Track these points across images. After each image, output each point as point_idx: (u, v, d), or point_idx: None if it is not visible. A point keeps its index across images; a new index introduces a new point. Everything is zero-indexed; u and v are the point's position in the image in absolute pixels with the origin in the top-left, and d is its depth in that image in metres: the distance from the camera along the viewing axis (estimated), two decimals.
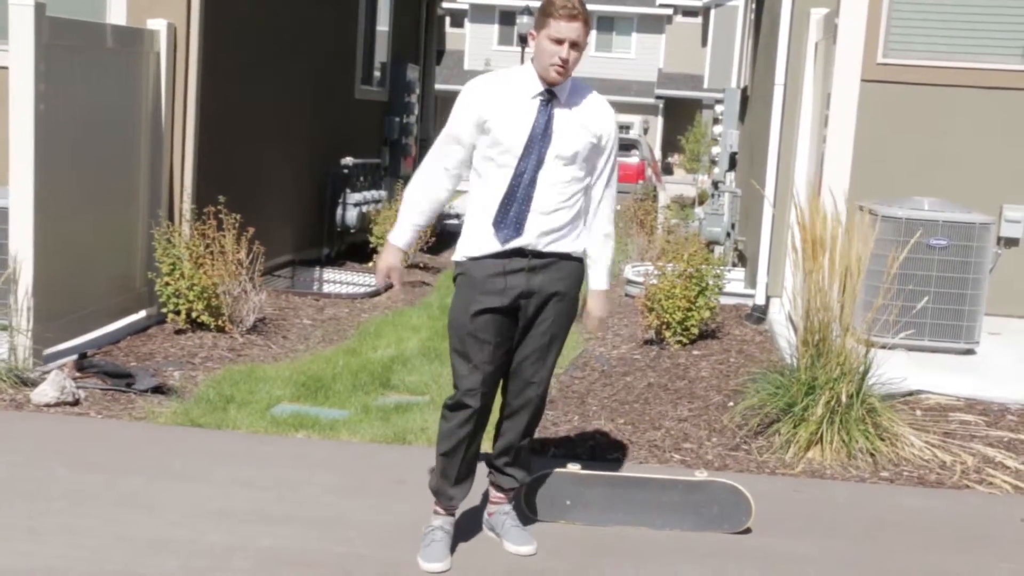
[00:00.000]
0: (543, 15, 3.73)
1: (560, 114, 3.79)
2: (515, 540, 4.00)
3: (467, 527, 4.14)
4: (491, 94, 3.80)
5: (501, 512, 4.09)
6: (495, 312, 3.78)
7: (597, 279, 4.05)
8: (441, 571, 3.82)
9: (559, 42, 3.69)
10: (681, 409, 5.76)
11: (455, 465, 3.89)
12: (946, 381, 6.04)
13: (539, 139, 3.74)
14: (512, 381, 3.94)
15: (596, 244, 3.99)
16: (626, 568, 3.89)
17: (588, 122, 3.82)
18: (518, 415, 3.96)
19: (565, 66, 3.70)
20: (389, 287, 3.76)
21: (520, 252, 3.78)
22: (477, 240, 3.82)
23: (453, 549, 3.93)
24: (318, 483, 4.57)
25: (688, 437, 5.35)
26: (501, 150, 3.75)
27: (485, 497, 4.20)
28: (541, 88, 3.77)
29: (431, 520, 3.98)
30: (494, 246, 3.77)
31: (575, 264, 3.89)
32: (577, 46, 3.72)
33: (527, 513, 4.22)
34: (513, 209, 3.75)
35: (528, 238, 3.77)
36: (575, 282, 3.89)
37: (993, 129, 7.71)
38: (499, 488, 4.10)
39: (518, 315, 3.84)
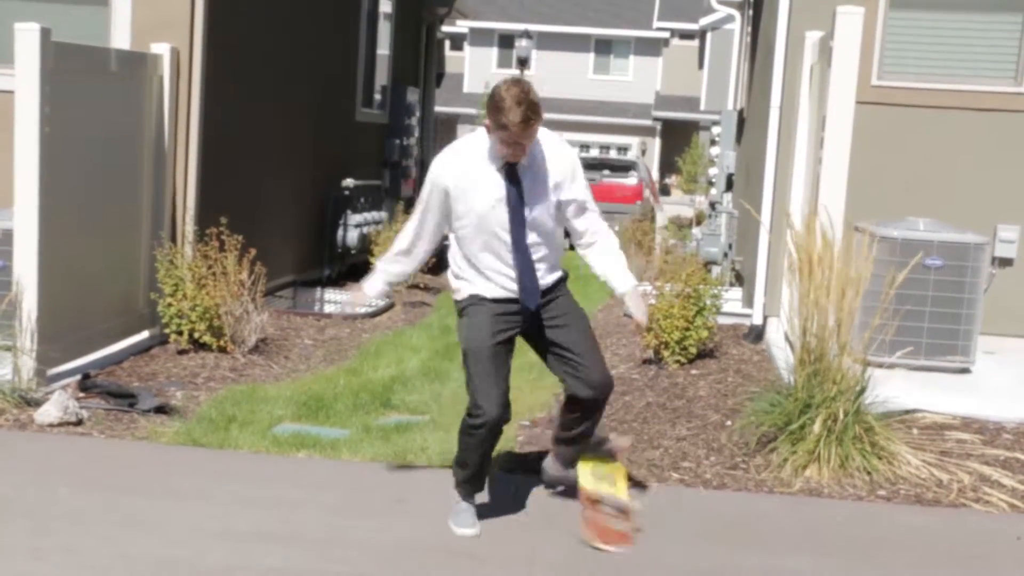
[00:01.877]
0: (497, 122, 3.90)
1: (526, 178, 4.07)
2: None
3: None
4: (459, 173, 4.08)
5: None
6: (506, 337, 4.18)
7: (623, 282, 4.29)
8: (474, 535, 4.23)
9: (517, 143, 3.94)
10: (679, 428, 5.78)
11: (479, 472, 4.33)
12: (942, 400, 6.05)
13: (517, 208, 4.05)
14: (575, 379, 4.20)
15: (609, 257, 4.31)
16: None
17: (550, 174, 4.10)
18: (590, 410, 4.29)
19: (524, 152, 3.99)
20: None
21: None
22: (475, 287, 4.20)
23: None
24: (319, 502, 4.58)
25: (687, 456, 5.37)
26: (472, 220, 4.09)
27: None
28: (502, 162, 4.05)
29: (459, 500, 4.38)
30: (494, 292, 4.17)
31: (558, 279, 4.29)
32: (533, 137, 3.98)
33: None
34: (527, 279, 4.12)
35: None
36: (563, 290, 4.31)
37: (987, 150, 7.76)
38: (567, 464, 4.51)
39: (529, 332, 4.25)
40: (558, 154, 4.15)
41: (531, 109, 3.86)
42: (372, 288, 4.51)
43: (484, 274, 4.17)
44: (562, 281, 4.29)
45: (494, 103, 3.88)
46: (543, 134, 4.10)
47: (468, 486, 4.36)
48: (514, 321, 4.18)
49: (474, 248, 4.15)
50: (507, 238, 4.09)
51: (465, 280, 4.23)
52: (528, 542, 4.24)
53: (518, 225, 4.06)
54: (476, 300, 4.20)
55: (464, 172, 4.08)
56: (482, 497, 4.50)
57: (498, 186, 4.05)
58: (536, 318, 4.19)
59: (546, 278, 4.20)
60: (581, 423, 4.34)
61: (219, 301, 6.92)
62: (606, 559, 4.11)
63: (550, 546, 4.22)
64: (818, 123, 6.83)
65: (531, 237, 4.11)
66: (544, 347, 4.26)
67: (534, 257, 4.13)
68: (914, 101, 7.73)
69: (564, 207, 4.18)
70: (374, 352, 7.68)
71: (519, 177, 4.06)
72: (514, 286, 4.14)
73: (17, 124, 5.85)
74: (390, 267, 4.50)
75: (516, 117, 3.85)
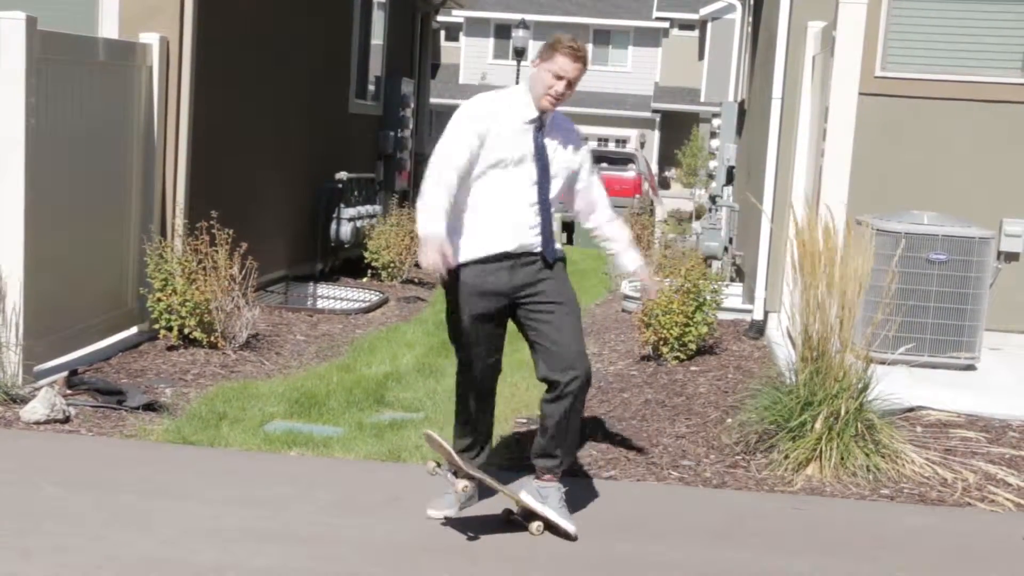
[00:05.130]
0: (550, 58, 4.13)
1: (552, 137, 4.27)
2: (564, 516, 4.21)
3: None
4: (492, 120, 4.18)
5: (553, 488, 4.26)
6: (492, 310, 4.25)
7: (635, 259, 4.53)
8: (450, 517, 4.15)
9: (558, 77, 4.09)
10: (679, 426, 5.71)
11: (472, 428, 4.35)
12: (946, 397, 5.99)
13: (544, 163, 4.22)
14: (551, 361, 4.17)
15: (622, 233, 4.54)
16: None
17: (571, 145, 4.36)
18: (564, 398, 4.22)
19: (560, 101, 4.14)
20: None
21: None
22: (481, 245, 4.24)
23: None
24: (312, 501, 4.53)
25: (686, 454, 5.30)
26: (500, 168, 4.22)
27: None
28: (535, 116, 4.19)
29: (455, 484, 4.20)
30: (502, 247, 4.23)
31: None
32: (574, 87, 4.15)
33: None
34: (547, 232, 4.30)
35: None
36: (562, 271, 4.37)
37: (993, 143, 7.67)
38: (548, 471, 4.27)
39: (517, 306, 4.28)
40: (577, 134, 4.35)
41: (584, 58, 4.11)
42: (440, 228, 4.01)
43: (498, 226, 4.14)
44: (563, 260, 4.33)
45: (552, 41, 4.12)
46: (564, 118, 4.30)
47: (461, 440, 4.34)
48: (501, 285, 4.16)
49: (496, 198, 4.15)
50: (532, 192, 4.14)
51: (470, 236, 4.16)
52: (524, 540, 4.17)
53: (544, 180, 4.17)
54: (463, 275, 4.14)
55: (496, 118, 4.15)
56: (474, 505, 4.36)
57: (529, 139, 4.15)
58: (530, 286, 4.17)
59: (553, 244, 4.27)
60: (556, 415, 4.21)
61: (209, 296, 6.84)
62: (602, 557, 4.04)
63: (546, 544, 4.15)
64: (820, 115, 6.76)
65: (552, 193, 4.23)
66: (530, 323, 4.21)
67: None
68: (918, 92, 7.64)
69: (575, 179, 4.33)
70: (368, 348, 7.60)
71: (545, 135, 4.20)
72: (530, 239, 4.17)
73: (2, 115, 5.75)
74: (443, 202, 4.09)
75: (569, 55, 4.07)
